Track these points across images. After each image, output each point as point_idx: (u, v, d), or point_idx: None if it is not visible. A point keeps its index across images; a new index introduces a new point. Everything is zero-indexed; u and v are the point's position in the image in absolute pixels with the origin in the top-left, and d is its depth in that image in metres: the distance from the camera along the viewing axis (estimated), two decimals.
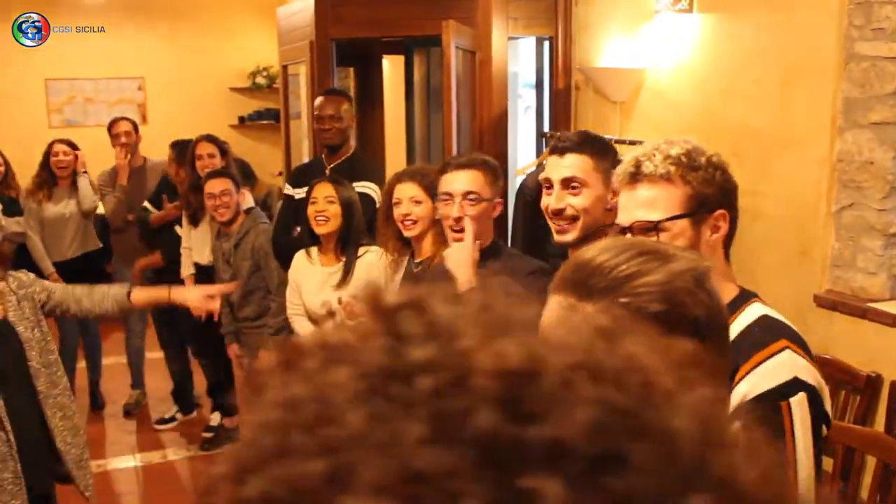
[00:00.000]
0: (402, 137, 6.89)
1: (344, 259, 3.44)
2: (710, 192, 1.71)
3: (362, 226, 3.54)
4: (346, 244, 3.46)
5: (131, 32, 9.37)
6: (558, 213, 2.22)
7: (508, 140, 5.34)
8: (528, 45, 5.86)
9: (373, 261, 3.40)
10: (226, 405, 5.08)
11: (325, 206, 3.44)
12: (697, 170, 1.70)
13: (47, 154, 5.43)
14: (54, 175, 5.38)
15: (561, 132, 4.36)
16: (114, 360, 5.97)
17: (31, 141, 6.14)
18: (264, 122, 9.40)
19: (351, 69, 6.70)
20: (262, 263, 4.23)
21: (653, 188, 1.71)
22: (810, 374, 1.57)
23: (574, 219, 2.21)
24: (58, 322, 5.51)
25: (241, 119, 9.58)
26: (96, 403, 5.71)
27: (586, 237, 2.15)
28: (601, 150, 2.27)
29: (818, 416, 1.54)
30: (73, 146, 5.48)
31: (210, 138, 4.89)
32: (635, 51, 4.66)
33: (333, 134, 4.07)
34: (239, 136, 9.23)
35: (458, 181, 2.62)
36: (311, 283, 3.47)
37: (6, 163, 5.70)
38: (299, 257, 3.58)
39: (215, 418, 5.14)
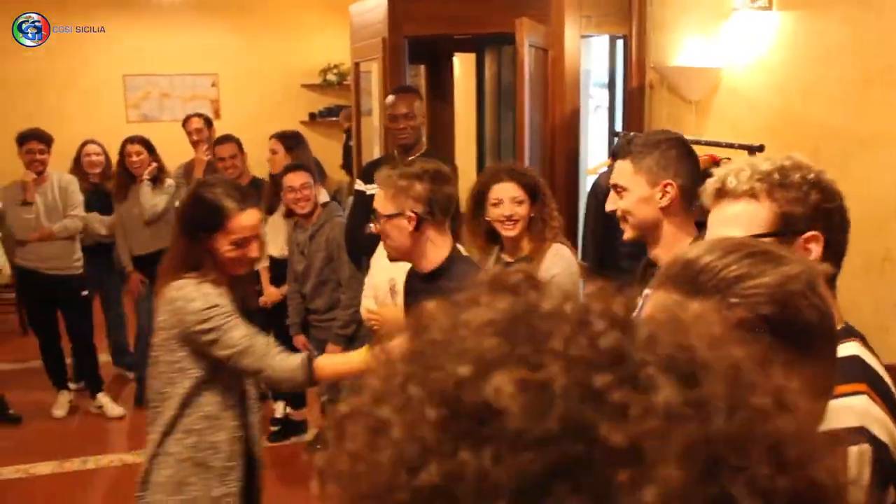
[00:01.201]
0: (471, 136, 6.89)
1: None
2: (800, 212, 1.59)
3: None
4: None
5: (205, 30, 9.56)
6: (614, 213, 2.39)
7: (580, 139, 5.30)
8: (600, 43, 5.82)
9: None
10: (291, 397, 5.14)
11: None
12: (788, 188, 1.60)
13: (122, 154, 5.57)
14: (131, 174, 5.51)
15: (632, 133, 4.32)
16: None
17: (110, 135, 6.28)
18: (334, 118, 9.49)
19: (422, 67, 6.72)
20: (334, 255, 4.28)
21: (735, 205, 1.64)
22: (884, 429, 1.39)
23: (624, 219, 2.35)
24: (136, 305, 5.67)
25: (312, 115, 9.69)
26: None
27: (644, 235, 2.33)
28: (642, 151, 2.32)
29: (883, 476, 1.36)
30: (147, 145, 5.59)
31: (275, 134, 4.98)
32: (712, 49, 4.59)
33: (408, 133, 4.08)
34: (309, 132, 9.30)
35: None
36: (383, 262, 3.47)
37: (106, 155, 5.87)
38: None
39: (279, 409, 5.18)
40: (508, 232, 3.03)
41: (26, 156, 5.32)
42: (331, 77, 9.72)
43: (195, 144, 5.60)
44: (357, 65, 6.18)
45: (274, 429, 5.13)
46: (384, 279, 3.46)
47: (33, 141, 5.34)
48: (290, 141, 5.04)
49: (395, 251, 2.67)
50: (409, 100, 4.09)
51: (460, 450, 0.45)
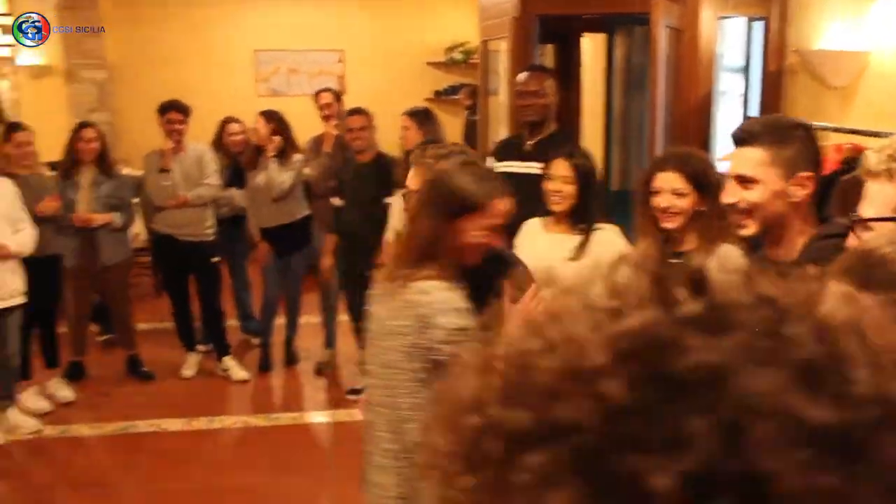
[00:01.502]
0: (598, 118, 6.81)
1: (580, 231, 3.36)
2: None
3: (601, 196, 3.46)
4: (581, 217, 3.38)
5: (333, 6, 9.72)
6: (733, 207, 2.17)
7: (712, 125, 5.17)
8: (735, 25, 5.64)
9: (610, 239, 3.33)
10: None
11: (560, 186, 3.38)
12: None
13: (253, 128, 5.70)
14: (261, 148, 5.65)
15: (752, 117, 4.18)
16: (309, 319, 6.27)
17: (241, 109, 6.47)
18: (459, 97, 9.52)
19: (550, 46, 6.66)
20: None
21: (873, 184, 1.61)
22: None
23: (748, 212, 2.14)
24: (263, 275, 5.85)
25: (437, 93, 9.74)
26: (290, 359, 6.01)
27: (767, 231, 2.13)
28: (780, 140, 2.11)
29: None
30: (277, 119, 5.63)
31: (407, 111, 5.01)
32: (858, 32, 4.39)
33: (534, 110, 4.06)
34: (433, 109, 9.40)
35: None
36: (540, 248, 3.45)
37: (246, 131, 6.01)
38: (533, 223, 3.55)
39: None
40: (666, 224, 2.88)
41: (166, 125, 5.54)
42: (456, 55, 9.74)
43: (325, 119, 5.70)
44: (485, 43, 6.18)
45: None
46: (541, 266, 3.46)
47: (173, 111, 5.56)
48: (421, 117, 5.08)
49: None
50: (540, 78, 4.07)
51: None
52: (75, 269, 5.47)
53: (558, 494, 0.43)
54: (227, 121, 6.15)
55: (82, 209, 5.35)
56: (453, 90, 9.69)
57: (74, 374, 5.70)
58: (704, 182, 2.82)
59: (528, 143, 4.08)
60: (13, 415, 5.08)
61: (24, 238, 4.83)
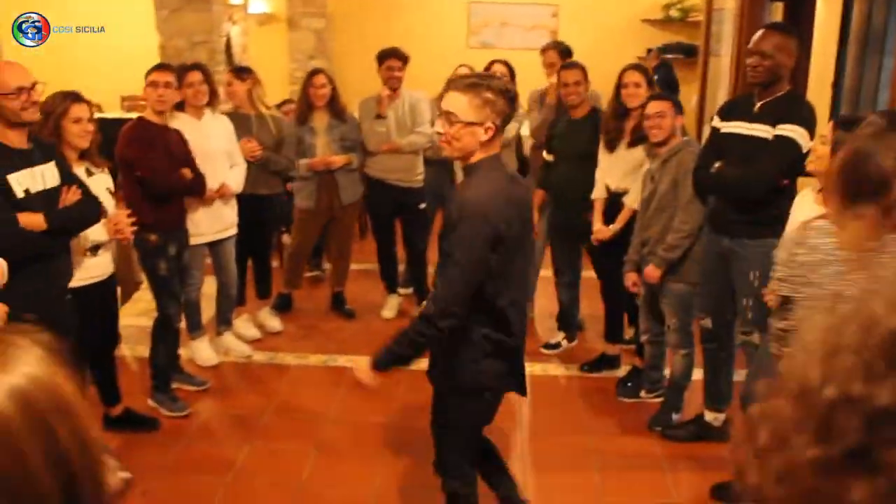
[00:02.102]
0: (826, 82, 6.36)
1: None
2: None
3: None
4: None
5: None
6: None
7: None
8: None
9: None
10: (608, 331, 5.14)
11: (816, 146, 3.25)
12: None
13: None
14: None
15: None
16: None
17: (451, 59, 6.49)
18: (672, 55, 9.20)
19: (780, 5, 6.27)
20: (679, 180, 4.14)
21: None
22: None
23: None
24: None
25: (649, 51, 9.45)
26: None
27: None
28: None
29: None
30: (509, 68, 5.66)
31: (636, 66, 4.83)
32: None
33: (759, 72, 3.82)
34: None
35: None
36: (803, 211, 3.31)
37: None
38: (805, 193, 3.41)
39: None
40: None
41: (385, 72, 5.66)
42: (674, 13, 9.40)
43: (552, 74, 5.60)
44: (710, 1, 5.91)
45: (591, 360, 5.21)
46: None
47: (393, 58, 5.67)
48: (649, 74, 4.89)
49: (460, 153, 2.75)
50: (773, 38, 3.81)
51: None
52: (313, 209, 5.72)
53: None
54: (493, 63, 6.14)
55: (320, 153, 5.58)
56: (668, 49, 9.37)
57: (283, 306, 6.01)
58: None
59: (758, 104, 3.86)
60: (228, 339, 5.44)
61: (238, 175, 5.11)
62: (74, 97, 3.82)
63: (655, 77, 8.52)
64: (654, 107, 4.25)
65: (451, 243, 2.73)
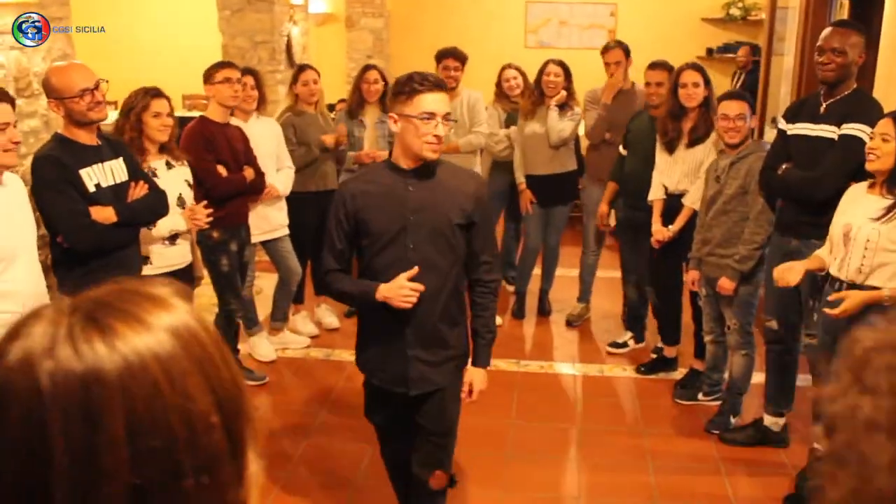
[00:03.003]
0: (894, 81, 6.20)
1: (891, 196, 3.18)
2: None
3: None
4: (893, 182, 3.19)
5: None
6: None
7: None
8: None
9: None
10: (664, 335, 5.10)
11: (878, 144, 3.21)
12: None
13: (540, 73, 5.67)
14: (542, 93, 5.64)
15: None
16: (565, 273, 6.28)
17: (508, 59, 6.44)
18: (732, 55, 9.06)
19: (847, 2, 6.13)
20: (749, 188, 4.09)
21: None
22: None
23: None
24: (525, 224, 5.92)
25: (710, 51, 9.34)
26: (543, 310, 6.06)
27: None
28: None
29: None
30: (566, 70, 5.63)
31: (693, 66, 4.75)
32: None
33: (830, 69, 3.75)
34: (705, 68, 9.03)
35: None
36: (855, 208, 3.29)
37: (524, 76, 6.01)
38: (859, 185, 3.39)
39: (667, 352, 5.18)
40: None
41: (442, 72, 5.66)
42: (734, 11, 9.27)
43: (612, 73, 5.54)
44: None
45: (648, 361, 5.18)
46: (839, 225, 3.28)
47: (450, 58, 5.68)
48: (706, 75, 4.82)
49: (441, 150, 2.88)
50: (844, 35, 3.74)
51: None
52: None
53: None
54: (505, 67, 6.13)
55: (367, 147, 5.63)
56: (727, 48, 9.24)
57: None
58: None
59: (824, 104, 3.79)
60: (285, 335, 5.51)
61: (286, 178, 5.17)
62: (155, 93, 3.95)
63: (744, 77, 8.43)
64: (734, 108, 4.14)
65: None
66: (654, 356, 5.16)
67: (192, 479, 0.73)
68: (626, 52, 5.56)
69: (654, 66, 5.03)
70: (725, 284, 4.17)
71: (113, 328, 0.74)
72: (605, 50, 5.64)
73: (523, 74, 5.97)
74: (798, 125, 3.85)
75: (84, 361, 0.71)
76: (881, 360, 0.47)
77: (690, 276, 4.46)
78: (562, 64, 5.64)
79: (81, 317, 0.75)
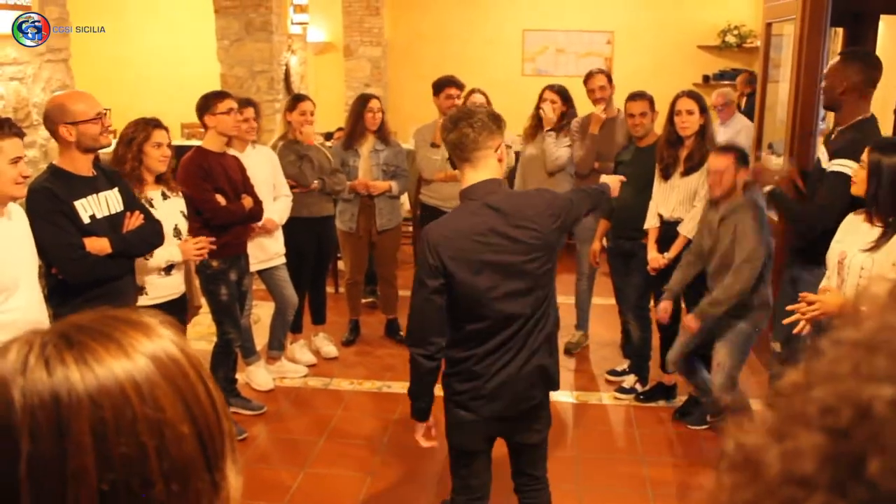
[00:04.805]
0: (889, 110, 6.25)
1: (881, 225, 3.17)
2: None
3: None
4: (875, 208, 3.18)
5: None
6: None
7: None
8: None
9: None
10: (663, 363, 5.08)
11: (857, 170, 3.23)
12: None
13: (540, 99, 5.69)
14: (541, 119, 5.64)
15: None
16: (562, 300, 6.25)
17: (506, 86, 6.48)
18: (729, 82, 9.11)
19: (840, 30, 6.19)
20: (737, 241, 4.09)
21: None
22: None
23: None
24: None
25: (706, 78, 9.40)
26: None
27: None
28: None
29: None
30: (563, 95, 5.63)
31: (689, 93, 4.76)
32: None
33: (825, 101, 3.81)
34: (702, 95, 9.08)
35: None
36: (850, 235, 3.29)
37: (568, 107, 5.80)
38: (853, 214, 3.40)
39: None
40: None
41: (445, 101, 5.66)
42: (730, 38, 9.34)
43: (596, 101, 5.55)
44: (769, 26, 5.85)
45: (646, 388, 5.15)
46: (835, 252, 3.29)
47: (452, 87, 5.70)
48: (703, 102, 4.83)
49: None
50: (836, 68, 3.79)
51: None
52: (352, 233, 5.79)
53: None
54: (472, 91, 6.10)
55: (362, 176, 5.64)
56: (723, 75, 9.29)
57: (353, 331, 6.09)
58: None
59: (835, 131, 3.87)
60: (283, 364, 5.49)
61: (282, 207, 5.17)
62: (156, 123, 3.97)
63: (745, 102, 8.45)
64: (715, 163, 4.17)
65: None
66: (653, 384, 5.15)
67: (161, 485, 0.76)
68: (609, 78, 5.57)
69: (633, 97, 5.04)
70: (690, 321, 4.22)
71: (90, 349, 0.77)
72: (588, 77, 5.62)
73: (563, 96, 5.72)
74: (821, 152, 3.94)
75: (54, 377, 0.75)
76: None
77: (662, 307, 4.50)
78: (559, 90, 5.65)
79: (58, 339, 0.78)
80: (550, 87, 5.67)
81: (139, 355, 0.78)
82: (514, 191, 2.96)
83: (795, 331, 3.15)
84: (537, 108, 5.68)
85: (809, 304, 3.07)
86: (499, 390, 2.94)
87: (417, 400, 3.05)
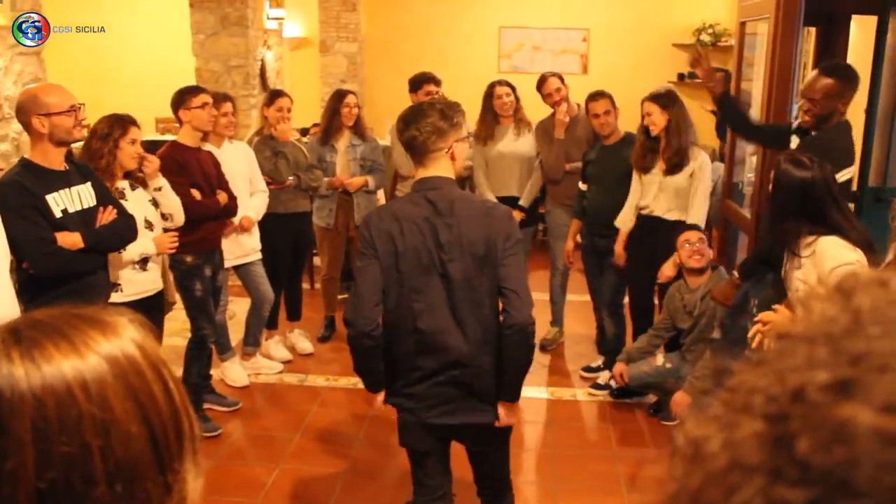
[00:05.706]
0: (860, 107, 6.31)
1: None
2: None
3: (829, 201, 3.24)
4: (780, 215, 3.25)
5: None
6: None
7: None
8: None
9: (827, 249, 3.15)
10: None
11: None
12: None
13: (489, 95, 5.68)
14: (497, 115, 5.66)
15: None
16: (537, 297, 6.25)
17: (482, 83, 6.43)
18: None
19: (812, 30, 6.25)
20: (713, 320, 4.34)
21: None
22: None
23: None
24: None
25: (681, 76, 9.45)
26: None
27: None
28: None
29: None
30: (513, 89, 5.66)
31: (651, 97, 4.80)
32: None
33: (810, 115, 3.83)
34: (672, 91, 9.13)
35: None
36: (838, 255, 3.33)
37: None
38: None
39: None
40: None
41: (425, 97, 5.65)
42: (705, 37, 9.39)
43: (555, 104, 5.47)
44: (742, 25, 5.90)
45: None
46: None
47: (431, 83, 5.72)
48: (664, 100, 4.86)
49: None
50: (821, 81, 3.80)
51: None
52: (331, 228, 5.78)
53: None
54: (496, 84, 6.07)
55: (339, 171, 5.63)
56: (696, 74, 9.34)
57: (329, 328, 6.07)
58: None
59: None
60: (258, 360, 5.47)
61: (259, 203, 5.14)
62: (131, 120, 3.98)
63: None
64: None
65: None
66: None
67: (105, 486, 0.75)
68: (562, 78, 5.52)
69: (594, 97, 5.06)
70: (680, 398, 4.32)
71: (40, 346, 0.76)
72: (542, 82, 5.50)
73: (514, 89, 5.72)
74: None
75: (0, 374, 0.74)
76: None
77: (617, 370, 4.72)
78: (509, 84, 5.66)
79: (7, 335, 0.77)
80: (500, 83, 5.65)
81: (92, 354, 0.77)
82: (462, 193, 2.95)
83: (754, 345, 3.17)
84: (489, 106, 5.65)
85: (765, 324, 3.09)
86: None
87: (365, 376, 3.02)
